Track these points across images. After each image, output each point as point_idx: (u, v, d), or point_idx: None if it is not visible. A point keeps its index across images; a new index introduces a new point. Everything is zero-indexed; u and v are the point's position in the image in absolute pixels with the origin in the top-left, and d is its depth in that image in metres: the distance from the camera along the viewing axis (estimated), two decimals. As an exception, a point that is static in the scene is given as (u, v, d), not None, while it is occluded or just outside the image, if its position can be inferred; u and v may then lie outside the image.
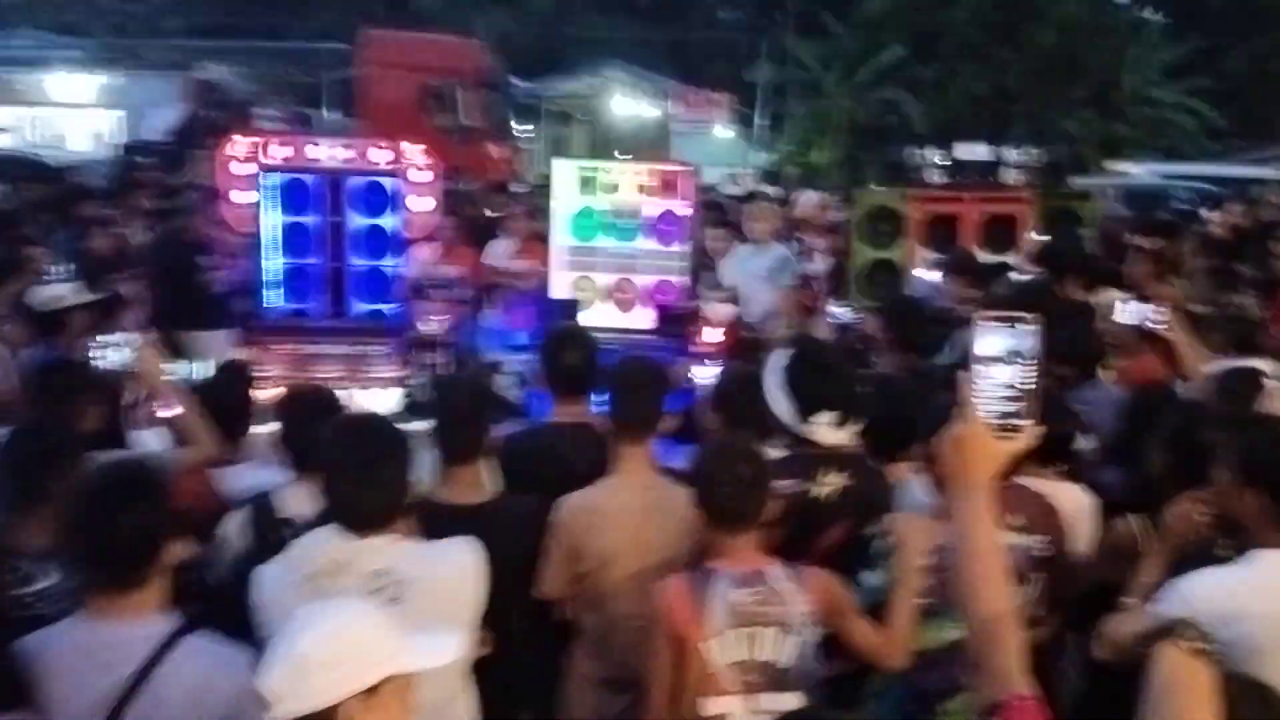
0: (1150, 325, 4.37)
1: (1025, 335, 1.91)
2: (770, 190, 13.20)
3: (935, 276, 6.83)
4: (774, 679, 2.74)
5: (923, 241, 8.01)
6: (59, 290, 4.97)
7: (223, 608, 2.84)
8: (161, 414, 3.95)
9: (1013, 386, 1.90)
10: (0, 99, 24.52)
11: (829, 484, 3.24)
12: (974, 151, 8.20)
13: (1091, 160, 25.52)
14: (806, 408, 3.25)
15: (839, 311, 6.25)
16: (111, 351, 3.75)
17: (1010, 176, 8.06)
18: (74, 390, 3.52)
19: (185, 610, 3.38)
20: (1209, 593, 2.66)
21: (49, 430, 3.09)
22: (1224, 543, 2.90)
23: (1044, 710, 1.74)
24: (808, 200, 9.55)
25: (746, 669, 2.74)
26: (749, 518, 2.82)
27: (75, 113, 28.48)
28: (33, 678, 2.28)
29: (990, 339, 1.91)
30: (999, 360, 1.91)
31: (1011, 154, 8.16)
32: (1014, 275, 6.68)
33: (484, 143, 17.81)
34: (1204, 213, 10.08)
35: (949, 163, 8.12)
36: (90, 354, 3.81)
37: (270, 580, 2.60)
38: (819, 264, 8.81)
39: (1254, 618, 2.59)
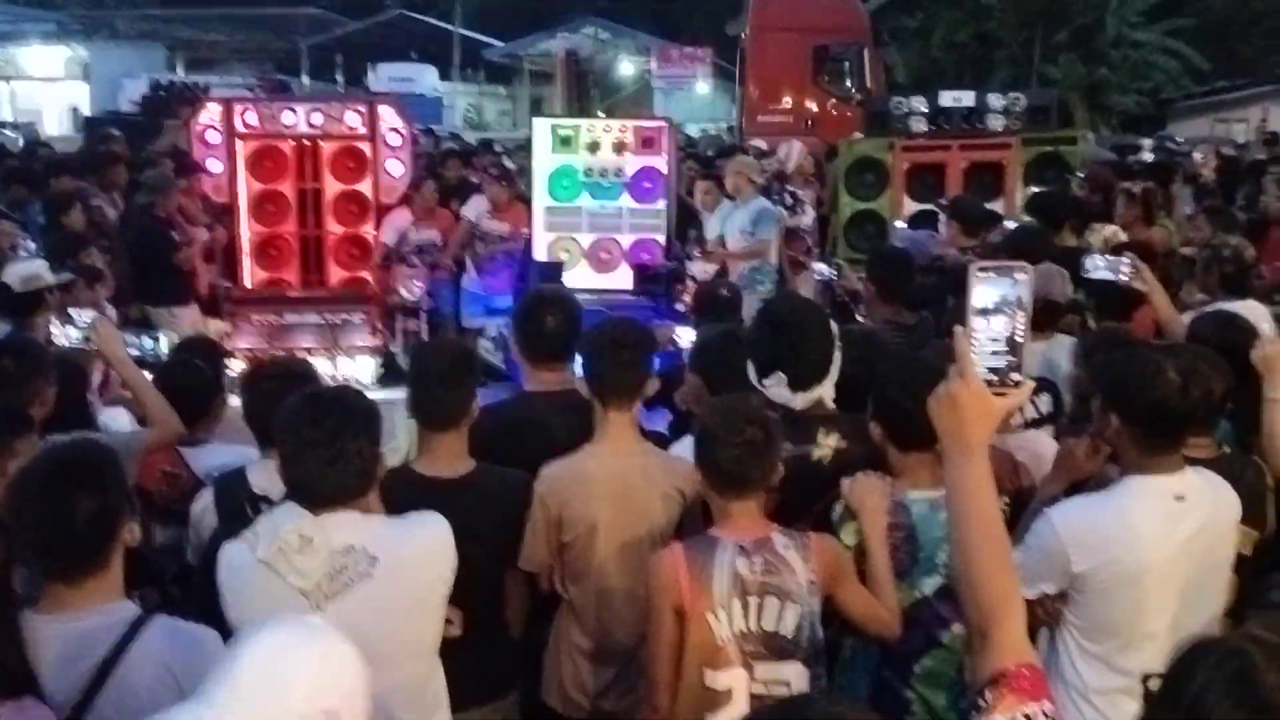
0: (1122, 278, 4.25)
1: (1020, 285, 1.80)
2: (756, 143, 13.06)
3: (919, 230, 6.73)
4: (777, 649, 2.65)
5: (908, 192, 7.93)
6: (35, 267, 4.83)
7: (198, 589, 2.76)
8: (124, 392, 3.85)
9: (1008, 339, 1.80)
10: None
11: (827, 446, 3.13)
12: (958, 98, 8.07)
13: (1075, 105, 25.35)
14: (762, 368, 3.13)
15: (822, 267, 6.14)
16: (72, 330, 3.63)
17: (995, 123, 7.94)
18: (28, 372, 3.39)
19: (163, 593, 3.34)
20: (1075, 520, 2.66)
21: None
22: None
23: (1045, 680, 1.65)
24: (785, 151, 9.39)
25: (750, 639, 2.65)
26: (756, 482, 2.72)
27: (49, 86, 28.14)
28: None
29: (986, 290, 1.80)
30: (994, 312, 1.80)
31: (996, 100, 8.03)
32: (1007, 223, 6.59)
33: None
34: (1193, 155, 9.99)
35: (933, 111, 7.99)
36: (51, 333, 3.69)
37: (232, 559, 2.50)
38: (807, 216, 8.70)
39: (1119, 545, 2.60)
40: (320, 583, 2.41)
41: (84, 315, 3.71)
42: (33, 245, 5.75)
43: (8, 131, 18.44)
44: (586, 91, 26.61)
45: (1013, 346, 1.80)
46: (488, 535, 2.97)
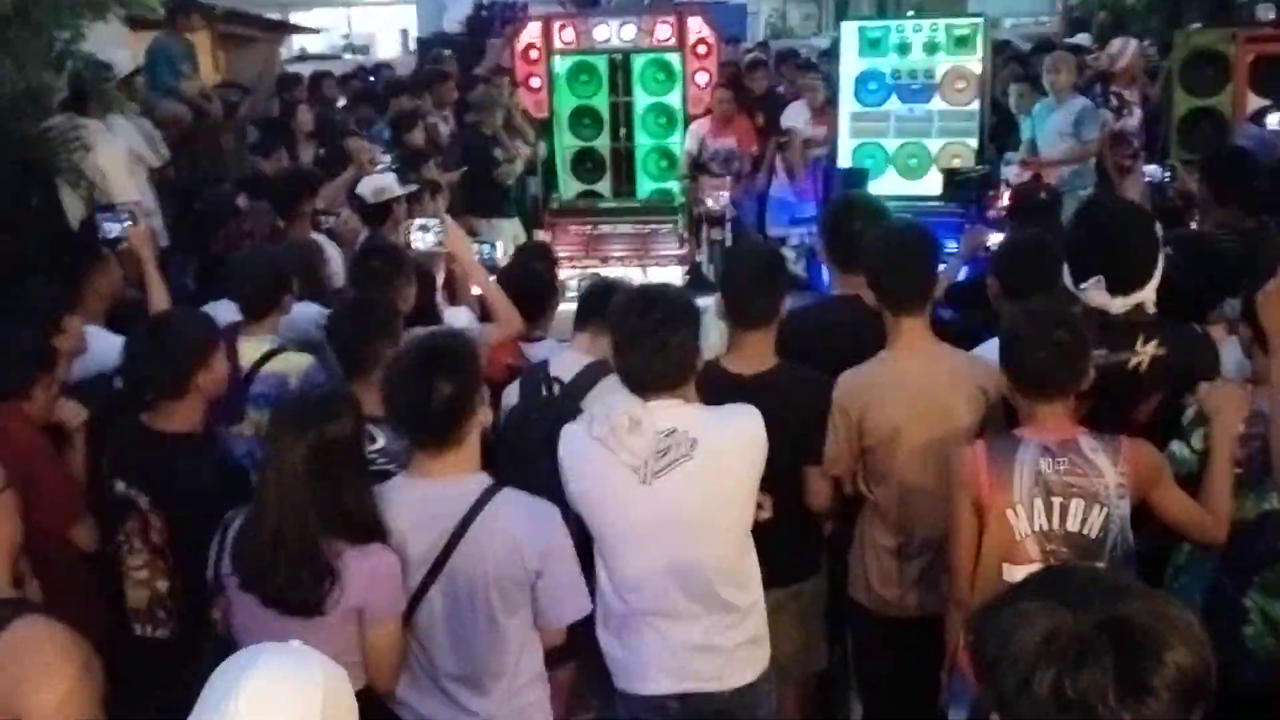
0: None
1: None
2: (1079, 39, 12.22)
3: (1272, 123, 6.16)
4: (1081, 549, 2.64)
5: (1252, 87, 7.26)
6: (384, 180, 5.37)
7: (504, 460, 3.05)
8: (475, 292, 4.23)
9: None
10: (309, 0, 26.02)
11: (1145, 353, 3.03)
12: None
13: None
14: (1079, 272, 3.04)
15: (1153, 169, 5.76)
16: (428, 234, 4.04)
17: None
18: (391, 272, 3.82)
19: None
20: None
21: (370, 307, 3.37)
22: None
23: None
24: (1119, 48, 8.74)
25: (1052, 538, 2.66)
26: (1064, 386, 2.70)
27: (382, 10, 29.96)
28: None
29: None
30: None
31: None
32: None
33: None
34: None
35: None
36: (406, 239, 4.11)
37: (572, 437, 2.78)
38: (1134, 119, 8.13)
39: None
40: (648, 460, 2.65)
41: (438, 222, 4.12)
42: (387, 158, 6.32)
43: (348, 55, 19.91)
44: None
45: None
46: (790, 430, 3.09)
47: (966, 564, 2.75)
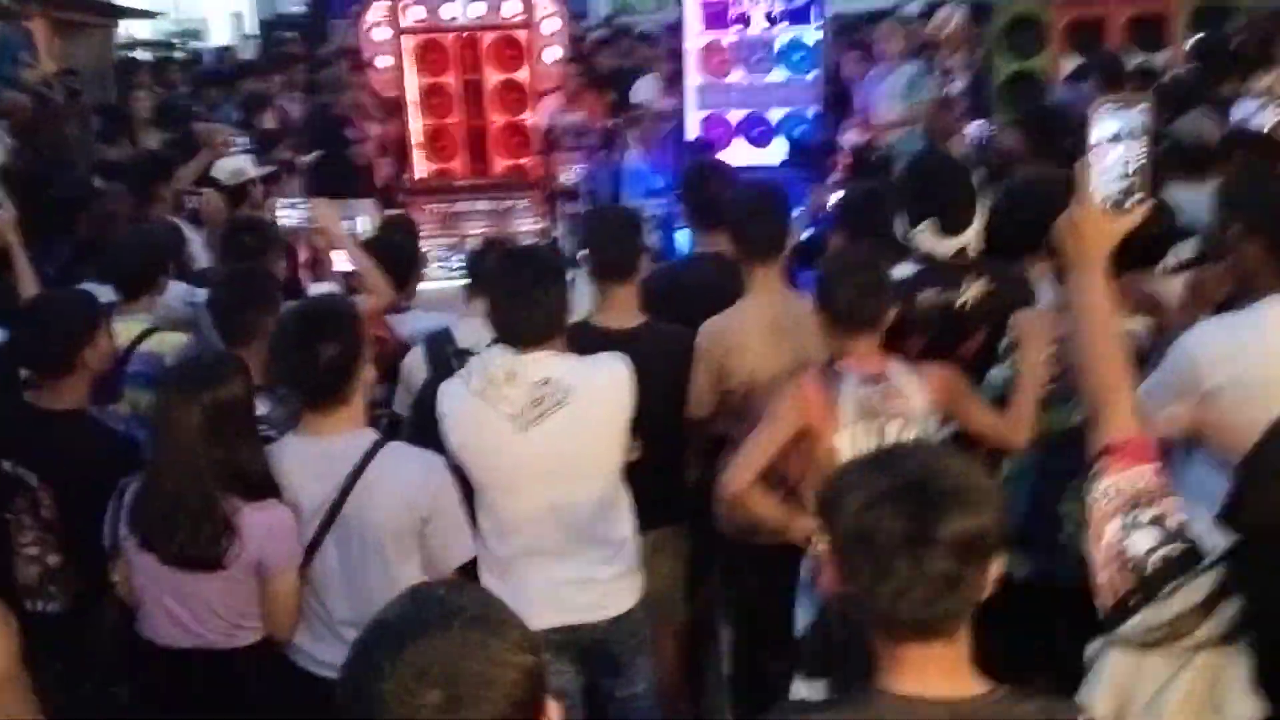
0: (1263, 124, 4.17)
1: (1137, 115, 1.98)
2: (909, 9, 12.74)
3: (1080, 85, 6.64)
4: None
5: (1067, 49, 7.76)
6: (240, 163, 5.39)
7: (410, 434, 3.20)
8: (338, 268, 4.33)
9: (1125, 164, 1.99)
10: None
11: (972, 291, 3.36)
12: (1118, -52, 7.80)
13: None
14: (913, 217, 3.36)
15: (974, 128, 6.17)
16: (295, 211, 4.12)
17: (1158, -28, 7.66)
18: (262, 246, 3.90)
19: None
20: (1207, 336, 2.74)
21: (250, 277, 3.46)
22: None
23: (1154, 447, 1.90)
24: (943, 17, 9.22)
25: None
26: (869, 321, 2.99)
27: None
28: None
29: (1106, 123, 1.99)
30: (1114, 142, 1.99)
31: (1158, -52, 7.72)
32: (1166, 76, 6.45)
33: None
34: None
35: (1092, -38, 7.75)
36: (274, 215, 4.18)
37: (451, 392, 2.95)
38: (959, 83, 8.61)
39: (1252, 354, 2.64)
40: (524, 409, 2.83)
41: (300, 201, 4.21)
42: (243, 141, 6.30)
43: (180, 41, 19.19)
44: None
45: (1131, 173, 2.00)
46: (657, 380, 3.31)
47: (760, 461, 2.95)
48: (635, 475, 3.12)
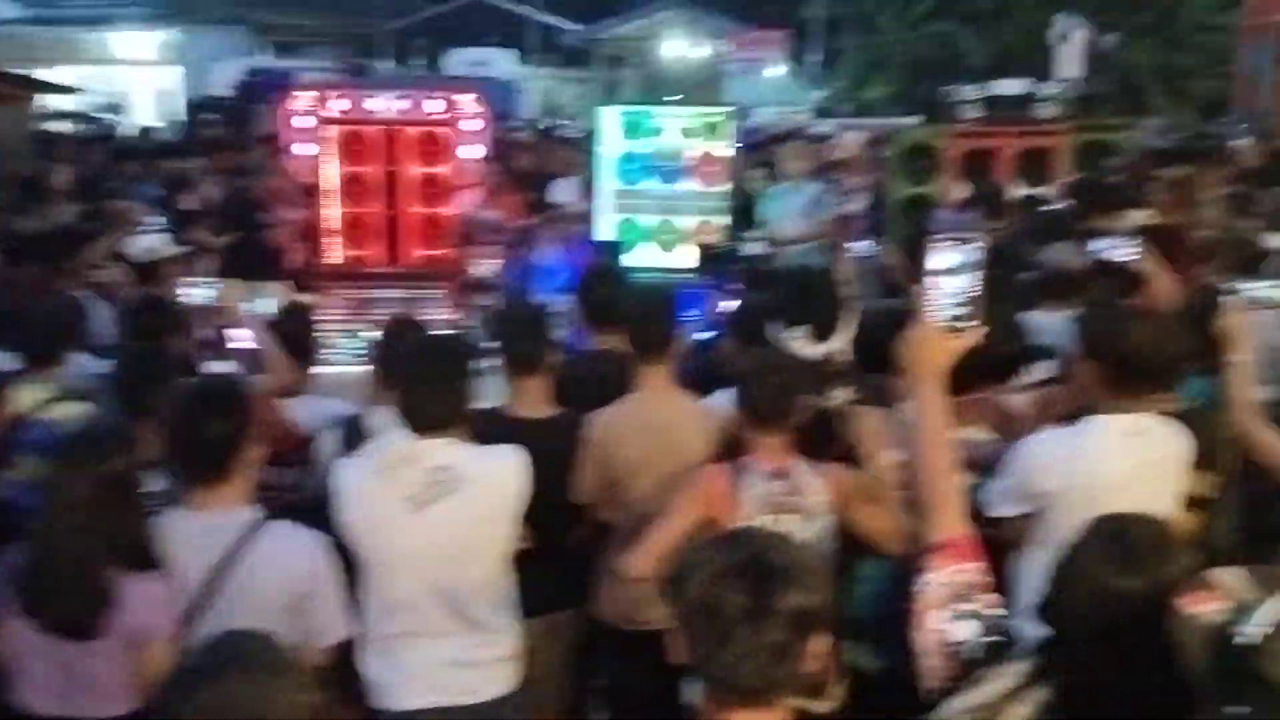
0: (1116, 258, 4.50)
1: (971, 251, 2.24)
2: (824, 127, 13.35)
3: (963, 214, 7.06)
4: None
5: (958, 177, 8.21)
6: (153, 241, 5.47)
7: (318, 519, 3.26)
8: (236, 346, 4.41)
9: (961, 293, 2.24)
10: (63, 58, 24.95)
11: (839, 397, 3.59)
12: (1010, 87, 8.37)
13: (1153, 90, 25.00)
14: (788, 324, 3.61)
15: (859, 246, 6.54)
16: (198, 291, 4.22)
17: (1046, 111, 8.22)
18: (161, 326, 3.99)
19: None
20: (1046, 446, 3.11)
21: (153, 354, 3.55)
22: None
23: (978, 547, 2.10)
24: (848, 140, 9.75)
25: None
26: (781, 419, 3.21)
27: (138, 70, 28.90)
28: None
29: (941, 255, 2.25)
30: (949, 272, 2.25)
31: (1049, 88, 8.31)
32: (1043, 208, 6.89)
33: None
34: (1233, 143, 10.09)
35: (986, 98, 8.29)
36: (177, 295, 4.27)
37: (349, 471, 3.07)
38: (857, 204, 9.05)
39: (1080, 464, 3.03)
40: (419, 490, 2.95)
41: (211, 281, 4.30)
42: (156, 220, 6.37)
43: (103, 115, 19.20)
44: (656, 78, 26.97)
45: (967, 300, 2.25)
46: (563, 469, 3.49)
47: (664, 550, 3.06)
48: (532, 560, 3.25)
